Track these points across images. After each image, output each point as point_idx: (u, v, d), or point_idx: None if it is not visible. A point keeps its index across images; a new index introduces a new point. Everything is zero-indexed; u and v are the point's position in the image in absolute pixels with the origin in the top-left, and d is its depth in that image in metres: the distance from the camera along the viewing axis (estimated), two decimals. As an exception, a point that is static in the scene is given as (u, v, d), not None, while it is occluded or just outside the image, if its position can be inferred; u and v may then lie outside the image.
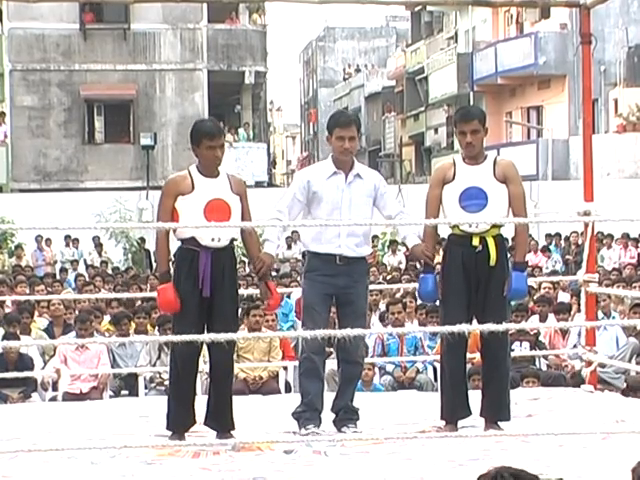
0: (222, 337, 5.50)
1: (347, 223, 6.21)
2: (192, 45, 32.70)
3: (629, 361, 9.81)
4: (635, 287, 12.69)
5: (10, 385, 9.22)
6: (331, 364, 10.07)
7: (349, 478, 5.25)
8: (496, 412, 6.28)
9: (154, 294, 11.28)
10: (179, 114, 32.67)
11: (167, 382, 6.26)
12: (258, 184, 31.06)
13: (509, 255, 6.46)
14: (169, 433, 6.09)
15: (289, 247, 22.94)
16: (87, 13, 31.77)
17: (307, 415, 6.33)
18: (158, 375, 9.44)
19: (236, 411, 7.16)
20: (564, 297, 13.49)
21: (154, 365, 9.52)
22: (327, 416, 6.44)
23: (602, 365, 8.76)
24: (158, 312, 10.75)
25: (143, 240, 24.75)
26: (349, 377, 6.48)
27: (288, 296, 12.46)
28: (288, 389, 9.44)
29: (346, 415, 6.41)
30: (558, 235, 23.44)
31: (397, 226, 6.58)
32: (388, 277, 16.68)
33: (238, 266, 20.86)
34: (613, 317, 11.49)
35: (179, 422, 6.09)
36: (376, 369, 10.13)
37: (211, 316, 6.06)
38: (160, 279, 6.15)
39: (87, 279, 17.30)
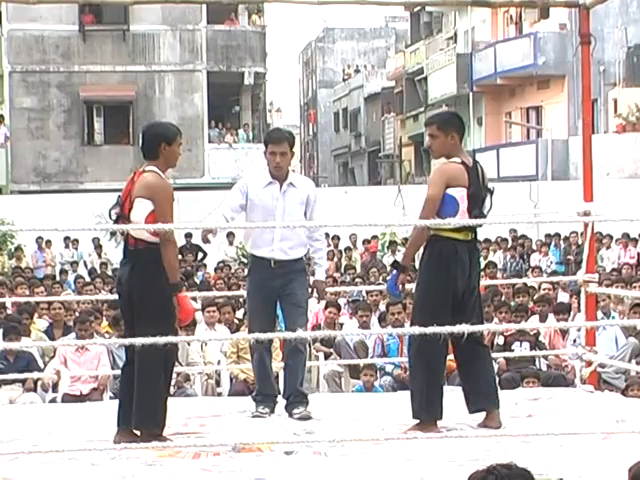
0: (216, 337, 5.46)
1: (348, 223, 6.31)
2: (191, 46, 32.72)
3: (629, 361, 9.82)
4: (635, 287, 12.70)
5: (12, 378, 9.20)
6: (331, 365, 10.13)
7: (349, 479, 5.25)
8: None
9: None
10: (179, 115, 32.65)
11: (141, 381, 5.94)
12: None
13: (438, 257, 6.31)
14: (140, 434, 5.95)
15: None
16: (86, 14, 31.79)
17: (259, 399, 6.99)
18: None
19: (237, 412, 7.19)
20: (564, 297, 13.50)
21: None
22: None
23: (602, 365, 8.76)
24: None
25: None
26: (292, 364, 7.03)
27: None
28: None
29: (296, 399, 6.90)
30: (558, 235, 23.46)
31: (311, 247, 7.17)
32: (388, 278, 16.67)
33: (237, 267, 20.66)
34: (613, 317, 11.49)
35: (163, 422, 6.02)
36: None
37: None
38: (178, 289, 6.04)
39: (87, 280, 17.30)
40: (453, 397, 6.59)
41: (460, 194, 6.18)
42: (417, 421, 6.24)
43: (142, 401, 5.93)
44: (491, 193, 6.41)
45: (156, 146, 6.04)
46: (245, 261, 20.81)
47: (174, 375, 9.38)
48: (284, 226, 6.75)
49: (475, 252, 6.43)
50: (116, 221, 6.12)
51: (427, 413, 6.22)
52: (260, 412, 6.90)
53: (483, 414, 6.38)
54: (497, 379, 6.55)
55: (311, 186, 7.17)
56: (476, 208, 6.24)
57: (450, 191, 6.17)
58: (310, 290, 7.22)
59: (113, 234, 7.06)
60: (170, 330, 5.83)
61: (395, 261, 6.61)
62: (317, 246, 7.18)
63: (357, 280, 15.93)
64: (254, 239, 6.95)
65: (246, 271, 7.48)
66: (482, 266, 18.69)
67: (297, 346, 6.95)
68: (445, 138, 6.31)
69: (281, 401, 7.06)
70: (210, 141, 32.95)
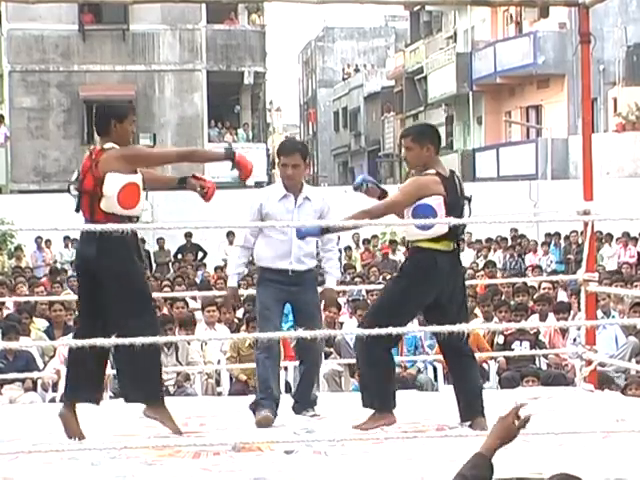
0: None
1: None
2: (191, 46, 32.71)
3: (629, 360, 9.82)
4: (637, 286, 12.70)
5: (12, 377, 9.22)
6: (331, 364, 10.12)
7: (349, 478, 5.25)
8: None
9: (155, 295, 11.31)
10: (178, 115, 32.68)
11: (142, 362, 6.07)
12: (258, 184, 31.01)
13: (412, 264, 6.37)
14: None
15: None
16: (86, 14, 31.78)
17: (264, 403, 6.66)
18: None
19: (237, 412, 7.19)
20: (563, 296, 13.50)
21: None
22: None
23: (602, 364, 8.76)
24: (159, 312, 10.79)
25: (143, 241, 24.72)
26: (308, 377, 7.05)
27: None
28: (288, 389, 9.43)
29: (306, 401, 6.96)
30: (557, 234, 23.46)
31: (323, 257, 7.24)
32: (388, 277, 16.68)
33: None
34: (613, 316, 11.49)
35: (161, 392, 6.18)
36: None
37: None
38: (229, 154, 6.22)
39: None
40: (453, 397, 6.59)
41: (437, 202, 6.15)
42: (372, 412, 6.32)
43: (148, 378, 6.07)
44: (469, 201, 6.38)
45: (107, 123, 6.20)
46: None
47: (174, 375, 9.42)
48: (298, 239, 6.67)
49: (457, 263, 6.37)
50: (78, 197, 6.15)
51: (382, 403, 6.30)
52: (263, 419, 6.67)
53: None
54: (482, 385, 6.61)
55: (325, 198, 7.10)
56: (454, 217, 6.18)
57: (426, 200, 6.14)
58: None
59: (78, 209, 6.74)
60: (150, 309, 6.07)
61: (325, 227, 6.41)
62: (329, 256, 7.16)
63: (357, 279, 15.93)
64: (270, 255, 6.85)
65: (246, 271, 7.46)
66: (483, 265, 18.64)
67: (316, 355, 7.04)
68: (420, 150, 6.30)
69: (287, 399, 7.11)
70: (210, 140, 32.94)
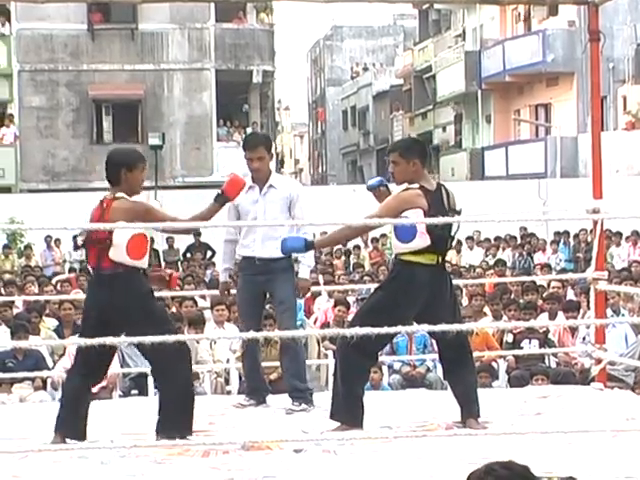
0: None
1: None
2: (200, 45, 32.71)
3: (639, 359, 9.80)
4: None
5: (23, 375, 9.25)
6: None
7: (358, 477, 5.25)
8: None
9: (165, 294, 11.33)
10: (187, 114, 32.68)
11: (170, 384, 5.97)
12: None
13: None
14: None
15: None
16: (95, 13, 31.80)
17: (247, 390, 7.41)
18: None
19: (246, 410, 7.20)
20: (573, 295, 13.47)
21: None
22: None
23: (612, 363, 8.75)
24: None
25: (152, 240, 24.73)
26: (285, 362, 7.25)
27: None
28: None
29: (292, 395, 7.10)
30: (567, 233, 23.40)
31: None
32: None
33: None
34: (622, 315, 11.47)
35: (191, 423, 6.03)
36: (384, 368, 10.13)
37: None
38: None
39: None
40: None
41: (415, 215, 6.10)
42: (338, 424, 6.25)
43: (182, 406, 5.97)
44: (459, 214, 6.33)
45: (117, 172, 6.16)
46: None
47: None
48: (268, 226, 7.05)
49: (440, 277, 6.27)
50: (83, 247, 6.23)
51: (353, 416, 6.24)
52: (241, 403, 7.26)
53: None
54: (476, 385, 6.61)
55: (293, 186, 7.34)
56: (438, 229, 6.10)
57: (405, 214, 6.11)
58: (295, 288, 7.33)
59: (77, 247, 6.61)
60: (174, 332, 6.02)
61: (310, 242, 6.43)
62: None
63: (366, 278, 15.91)
64: (240, 241, 7.25)
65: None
66: (492, 263, 18.60)
67: (287, 343, 7.14)
68: (407, 165, 6.27)
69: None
70: (219, 139, 32.96)
